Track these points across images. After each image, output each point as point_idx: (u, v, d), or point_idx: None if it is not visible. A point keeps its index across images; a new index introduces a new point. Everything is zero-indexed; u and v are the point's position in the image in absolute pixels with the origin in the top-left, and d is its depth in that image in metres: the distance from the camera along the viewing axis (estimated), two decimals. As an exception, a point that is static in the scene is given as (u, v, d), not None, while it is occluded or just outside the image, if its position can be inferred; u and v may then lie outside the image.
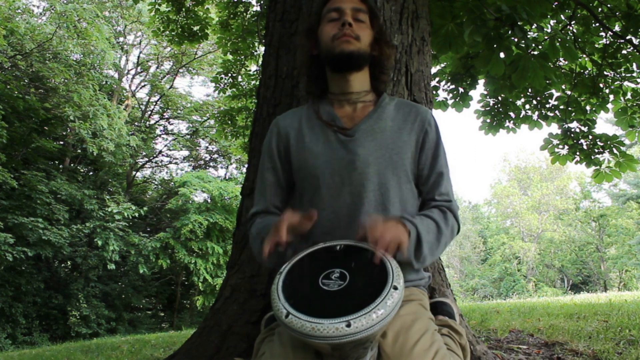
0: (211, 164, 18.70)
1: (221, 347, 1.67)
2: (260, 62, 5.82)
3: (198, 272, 12.86)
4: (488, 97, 4.67)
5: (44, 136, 12.60)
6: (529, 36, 2.81)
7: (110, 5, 14.72)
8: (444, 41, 2.77)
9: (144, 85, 17.35)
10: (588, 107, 4.36)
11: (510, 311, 3.91)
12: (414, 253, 1.02)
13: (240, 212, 2.00)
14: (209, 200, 13.99)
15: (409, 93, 1.92)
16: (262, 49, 3.30)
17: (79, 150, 14.00)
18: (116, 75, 15.99)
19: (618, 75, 4.08)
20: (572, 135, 4.36)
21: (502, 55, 2.66)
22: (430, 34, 2.24)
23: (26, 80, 11.97)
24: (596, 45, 4.07)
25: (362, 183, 1.12)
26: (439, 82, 4.61)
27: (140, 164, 17.15)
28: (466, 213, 36.95)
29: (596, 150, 4.24)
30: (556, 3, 3.46)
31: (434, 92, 4.59)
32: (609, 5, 3.59)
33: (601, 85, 4.19)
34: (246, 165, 2.64)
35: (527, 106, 4.61)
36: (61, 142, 13.94)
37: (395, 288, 0.81)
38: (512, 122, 4.72)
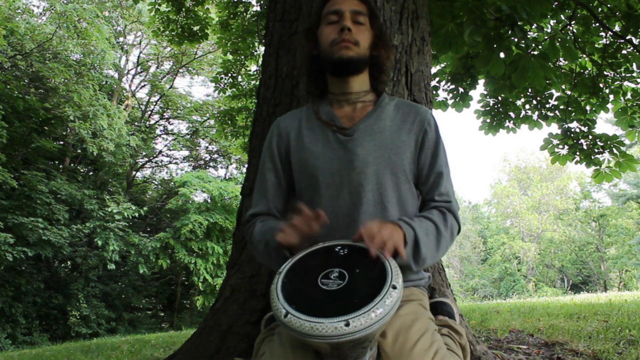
0: (211, 164, 18.72)
1: (221, 347, 1.67)
2: (260, 62, 5.83)
3: (198, 272, 12.86)
4: (488, 97, 4.68)
5: (44, 136, 12.60)
6: (529, 36, 2.81)
7: (110, 5, 14.72)
8: (444, 41, 2.77)
9: (144, 85, 17.37)
10: (588, 107, 4.36)
11: (510, 311, 3.91)
12: (412, 256, 1.02)
13: (240, 212, 2.00)
14: (209, 200, 13.99)
15: (409, 93, 1.92)
16: (262, 49, 3.30)
17: (79, 150, 14.01)
18: (116, 75, 15.99)
19: (618, 75, 4.08)
20: (572, 135, 4.36)
21: (502, 55, 2.66)
22: (430, 34, 2.24)
23: (26, 80, 11.97)
24: (596, 45, 4.07)
25: (361, 183, 1.12)
26: (439, 82, 4.61)
27: (140, 164, 17.15)
28: (466, 213, 36.95)
29: (596, 150, 4.24)
30: (556, 3, 3.46)
31: (434, 92, 4.59)
32: (609, 5, 3.59)
33: (601, 85, 4.19)
34: (246, 165, 2.64)
35: (527, 106, 4.61)
36: (61, 142, 13.94)
37: (394, 287, 0.81)
38: (512, 122, 4.72)
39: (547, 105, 4.49)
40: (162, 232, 13.55)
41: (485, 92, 4.65)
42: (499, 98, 4.61)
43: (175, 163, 18.49)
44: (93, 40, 11.57)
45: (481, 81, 4.57)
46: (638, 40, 3.61)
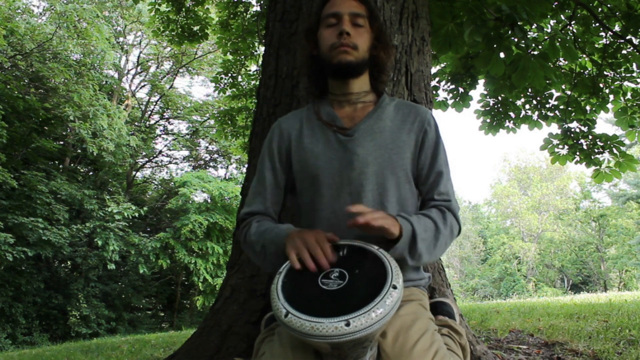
0: (211, 164, 18.72)
1: (221, 347, 1.67)
2: (260, 62, 5.83)
3: (198, 272, 12.86)
4: (488, 97, 4.68)
5: (44, 136, 12.60)
6: (529, 36, 2.81)
7: (110, 5, 14.72)
8: (444, 41, 2.77)
9: (144, 85, 17.38)
10: (588, 107, 4.36)
11: (510, 311, 3.91)
12: (408, 249, 1.01)
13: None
14: (209, 200, 13.99)
15: (409, 93, 1.92)
16: (262, 49, 3.30)
17: (79, 150, 14.01)
18: (116, 75, 16.00)
19: (618, 75, 4.08)
20: (572, 135, 4.36)
21: (502, 55, 2.66)
22: (430, 34, 2.24)
23: (26, 80, 11.97)
24: (596, 45, 4.07)
25: (361, 183, 1.12)
26: (439, 82, 4.61)
27: (140, 164, 17.16)
28: (466, 213, 36.95)
29: (596, 150, 4.24)
30: (556, 3, 3.46)
31: (434, 92, 4.59)
32: (609, 5, 3.59)
33: (601, 85, 4.19)
34: (246, 165, 2.64)
35: (527, 106, 4.61)
36: (61, 142, 13.94)
37: (395, 287, 0.82)
38: (512, 122, 4.72)
39: (547, 105, 4.49)
40: (162, 232, 13.55)
41: (485, 92, 4.66)
42: (499, 98, 4.61)
43: (175, 163, 18.53)
44: (93, 40, 11.57)
45: (481, 81, 4.57)
46: (638, 40, 3.61)
